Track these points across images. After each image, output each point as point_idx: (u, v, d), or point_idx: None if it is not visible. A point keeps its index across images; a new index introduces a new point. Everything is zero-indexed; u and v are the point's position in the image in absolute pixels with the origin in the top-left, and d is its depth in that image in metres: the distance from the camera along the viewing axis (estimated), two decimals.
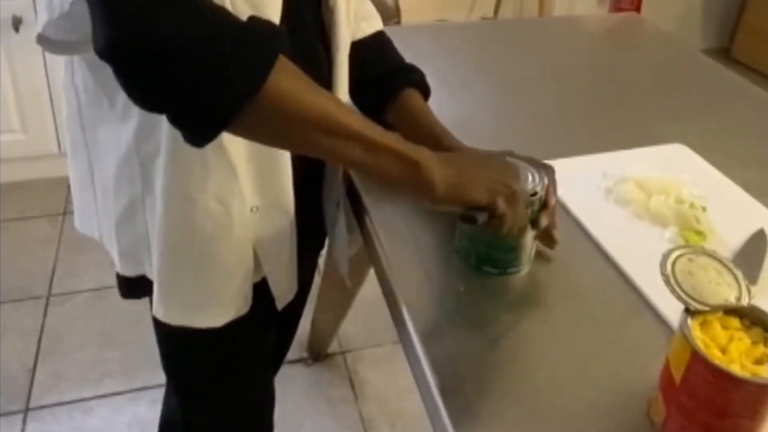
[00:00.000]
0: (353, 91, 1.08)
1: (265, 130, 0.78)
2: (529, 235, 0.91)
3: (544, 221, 0.91)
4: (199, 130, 0.73)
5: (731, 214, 1.04)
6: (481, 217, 0.85)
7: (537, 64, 1.60)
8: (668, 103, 1.44)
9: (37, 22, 0.83)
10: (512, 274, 0.93)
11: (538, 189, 0.88)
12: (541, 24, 2.29)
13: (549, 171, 0.93)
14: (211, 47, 0.68)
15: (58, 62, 0.87)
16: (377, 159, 0.80)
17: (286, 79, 0.74)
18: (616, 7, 3.67)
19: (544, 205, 0.90)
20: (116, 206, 0.96)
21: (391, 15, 2.57)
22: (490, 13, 3.51)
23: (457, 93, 1.40)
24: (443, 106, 1.28)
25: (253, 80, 0.70)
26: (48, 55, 2.44)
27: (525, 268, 0.93)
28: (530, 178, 0.90)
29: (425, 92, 1.12)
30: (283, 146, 0.86)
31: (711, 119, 1.37)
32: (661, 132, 1.27)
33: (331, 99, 0.80)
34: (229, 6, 0.79)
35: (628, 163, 1.13)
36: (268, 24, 0.75)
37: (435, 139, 1.02)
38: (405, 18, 2.80)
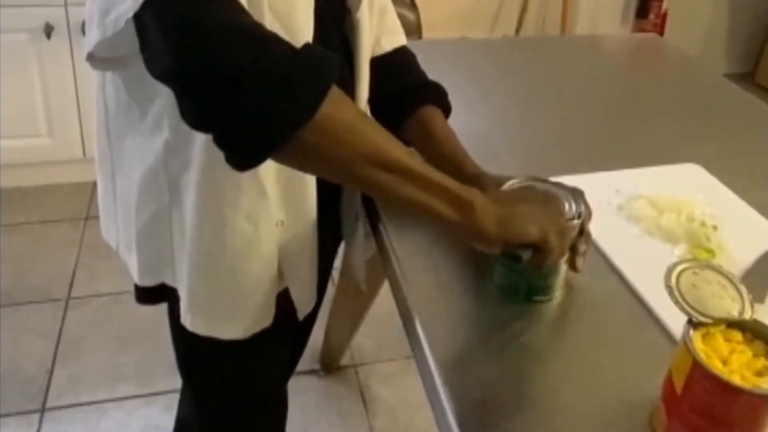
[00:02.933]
0: (372, 106, 1.08)
1: (315, 160, 0.76)
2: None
3: (583, 247, 0.90)
4: (246, 155, 0.72)
5: (742, 233, 1.05)
6: (525, 255, 0.84)
7: (555, 81, 1.62)
8: (685, 124, 1.44)
9: (87, 40, 0.83)
10: (556, 298, 0.93)
11: (577, 217, 0.88)
12: (561, 42, 2.31)
13: (580, 195, 0.92)
14: (267, 76, 0.68)
15: (88, 70, 0.89)
16: (431, 199, 0.78)
17: (339, 109, 0.73)
18: (639, 28, 3.68)
19: (580, 230, 0.90)
20: (139, 218, 0.97)
21: (412, 30, 2.60)
22: (512, 31, 3.53)
23: (475, 107, 1.42)
24: (460, 119, 1.30)
25: (305, 110, 0.70)
26: (77, 62, 2.49)
27: (562, 290, 0.94)
28: (567, 206, 0.89)
29: (446, 110, 1.11)
30: (332, 177, 0.84)
31: (727, 141, 1.38)
32: (676, 152, 1.28)
33: (384, 133, 0.79)
34: (267, 26, 0.79)
35: (641, 180, 1.14)
36: (321, 53, 0.75)
37: (456, 163, 1.01)
38: (427, 34, 2.83)
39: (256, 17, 0.76)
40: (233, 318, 0.99)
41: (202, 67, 0.69)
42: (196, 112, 0.72)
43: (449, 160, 1.01)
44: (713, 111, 1.52)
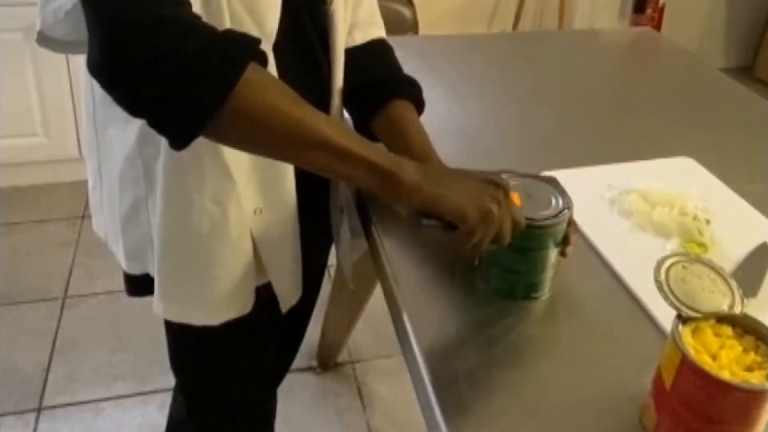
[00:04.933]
0: (344, 98, 1.08)
1: (238, 139, 0.79)
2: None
3: (573, 238, 0.91)
4: (174, 137, 0.75)
5: (735, 227, 1.04)
6: (428, 222, 0.84)
7: (550, 76, 1.61)
8: (680, 117, 1.44)
9: (38, 21, 0.85)
10: (548, 293, 0.93)
11: (564, 211, 0.87)
12: (557, 37, 2.30)
13: (557, 185, 0.92)
14: (180, 63, 0.70)
15: (83, 68, 0.89)
16: (354, 170, 0.81)
17: (256, 90, 0.75)
18: (637, 23, 3.67)
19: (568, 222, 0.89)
20: (122, 206, 0.98)
21: (408, 27, 2.59)
22: (510, 27, 3.53)
23: (468, 102, 1.42)
24: (452, 115, 1.30)
25: (220, 91, 0.72)
26: (72, 60, 2.49)
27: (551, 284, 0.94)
28: (554, 201, 0.89)
29: (418, 105, 1.10)
30: (259, 154, 0.86)
31: (721, 134, 1.37)
32: (670, 145, 1.27)
33: (306, 108, 0.80)
34: (226, 12, 0.82)
35: (633, 174, 1.14)
36: (238, 35, 0.76)
37: (423, 158, 1.00)
38: (424, 32, 2.82)
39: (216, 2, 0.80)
40: (204, 304, 0.99)
41: (120, 60, 0.71)
42: (123, 101, 0.74)
43: (414, 154, 1.01)
44: (708, 105, 1.52)
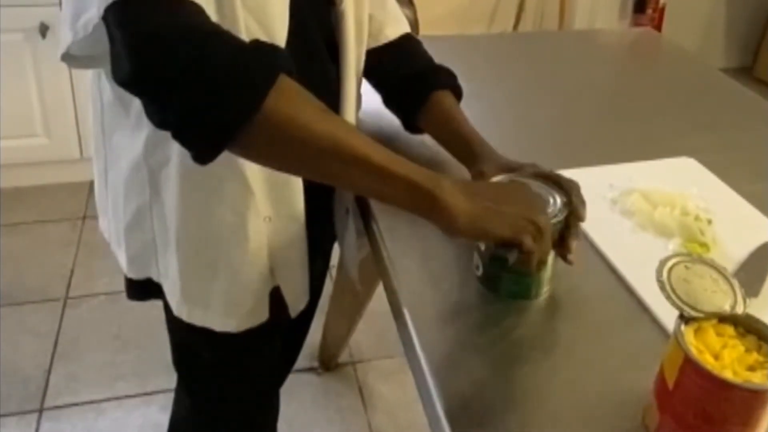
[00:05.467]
0: (385, 98, 1.10)
1: (268, 154, 0.76)
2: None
3: (573, 243, 0.89)
4: (199, 150, 0.73)
5: (737, 227, 1.04)
6: (512, 257, 0.81)
7: (551, 76, 1.61)
8: (680, 117, 1.44)
9: (61, 41, 0.84)
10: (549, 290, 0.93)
11: (559, 214, 0.87)
12: (557, 37, 2.30)
13: (575, 187, 0.91)
14: (208, 74, 0.69)
15: (89, 72, 0.90)
16: (390, 188, 0.77)
17: (288, 101, 0.72)
18: (637, 23, 3.67)
19: (567, 224, 0.89)
20: (126, 211, 0.98)
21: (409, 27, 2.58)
22: (510, 28, 3.53)
23: (469, 103, 1.40)
24: None
25: (249, 103, 0.70)
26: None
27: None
28: (551, 202, 0.88)
29: (457, 93, 1.13)
30: (289, 170, 0.85)
31: (722, 134, 1.37)
32: (671, 146, 1.27)
33: (341, 123, 0.77)
34: (241, 22, 0.81)
35: (635, 175, 1.14)
36: (268, 47, 0.75)
37: (465, 141, 1.03)
38: (424, 32, 2.82)
39: (228, 13, 0.78)
40: (227, 311, 1.00)
41: (151, 71, 0.70)
42: (154, 113, 0.73)
43: (458, 139, 1.04)
44: (708, 105, 1.52)
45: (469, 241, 0.84)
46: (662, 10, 3.66)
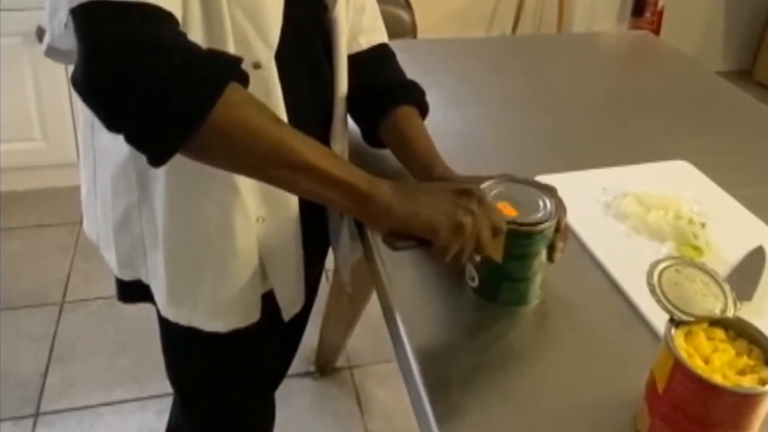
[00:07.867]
0: (348, 107, 1.08)
1: (217, 158, 0.78)
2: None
3: (560, 245, 0.89)
4: (151, 153, 0.74)
5: (731, 230, 1.04)
6: (402, 245, 0.81)
7: (547, 80, 1.61)
8: (675, 120, 1.44)
9: (46, 37, 0.86)
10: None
11: (549, 217, 0.87)
12: (555, 41, 2.30)
13: (553, 193, 0.91)
14: (157, 83, 0.69)
15: None
16: (333, 193, 0.79)
17: (235, 109, 0.73)
18: (636, 26, 3.67)
19: (557, 227, 0.88)
20: (114, 212, 0.98)
21: (406, 31, 2.59)
22: (509, 31, 3.53)
23: (464, 106, 1.41)
24: (448, 118, 1.29)
25: (197, 109, 0.71)
26: (71, 66, 2.49)
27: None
28: (541, 205, 0.88)
29: (423, 110, 1.11)
30: (238, 173, 0.86)
31: (718, 137, 1.37)
32: (666, 149, 1.27)
33: (287, 130, 0.79)
34: (227, 22, 0.82)
35: (629, 178, 1.13)
36: (222, 54, 0.76)
37: (426, 162, 1.01)
38: (423, 35, 2.82)
39: (214, 10, 0.80)
40: (214, 312, 1.00)
41: (97, 76, 0.70)
42: (100, 116, 0.73)
43: (419, 160, 1.02)
44: (704, 108, 1.52)
45: (400, 225, 0.81)
46: (661, 13, 3.66)
